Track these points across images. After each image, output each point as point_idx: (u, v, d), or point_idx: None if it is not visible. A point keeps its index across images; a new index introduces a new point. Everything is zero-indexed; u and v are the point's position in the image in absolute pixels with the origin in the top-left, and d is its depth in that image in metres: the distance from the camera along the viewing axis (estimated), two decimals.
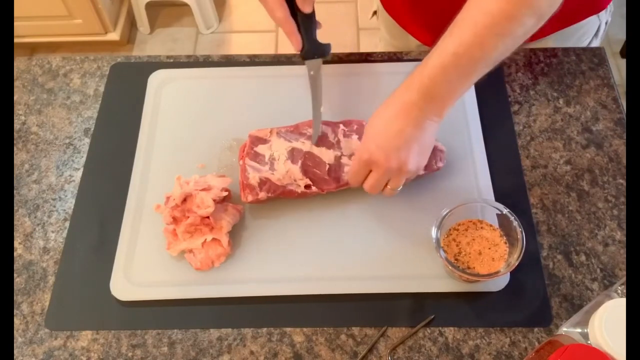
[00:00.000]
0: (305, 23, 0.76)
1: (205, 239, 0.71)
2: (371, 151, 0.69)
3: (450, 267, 0.66)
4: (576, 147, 0.82)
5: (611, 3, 0.94)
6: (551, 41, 0.94)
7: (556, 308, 0.70)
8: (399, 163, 0.68)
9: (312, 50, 0.77)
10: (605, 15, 0.96)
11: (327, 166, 0.75)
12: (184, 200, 0.73)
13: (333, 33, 2.21)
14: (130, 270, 0.73)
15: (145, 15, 2.21)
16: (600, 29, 0.97)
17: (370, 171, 0.71)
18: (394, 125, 0.68)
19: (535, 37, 0.74)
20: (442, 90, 0.66)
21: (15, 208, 0.80)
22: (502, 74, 0.88)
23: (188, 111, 0.86)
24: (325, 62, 0.90)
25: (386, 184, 0.72)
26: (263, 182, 0.74)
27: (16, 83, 0.92)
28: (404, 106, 0.68)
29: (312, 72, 0.78)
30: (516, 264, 0.65)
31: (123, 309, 0.71)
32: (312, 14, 0.76)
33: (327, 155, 0.75)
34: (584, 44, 0.96)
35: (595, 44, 0.98)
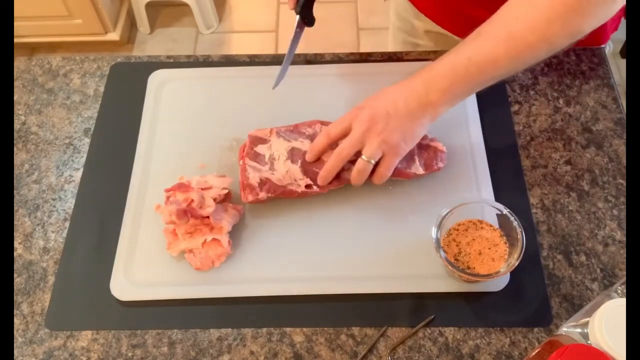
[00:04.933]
0: None
1: (205, 239, 0.71)
2: (362, 106, 0.72)
3: (450, 267, 0.66)
4: (576, 147, 0.82)
5: (609, 41, 0.94)
6: None
7: (556, 308, 0.70)
8: (380, 127, 0.70)
9: (304, 13, 0.83)
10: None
11: None
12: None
13: (333, 33, 2.22)
14: (130, 270, 0.73)
15: (145, 15, 2.21)
16: None
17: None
18: (391, 95, 0.72)
19: None
20: (442, 86, 0.69)
21: (15, 208, 0.80)
22: None
23: (188, 111, 0.86)
24: (325, 62, 0.90)
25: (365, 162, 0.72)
26: (263, 182, 0.74)
27: (16, 83, 0.92)
28: (406, 88, 0.72)
29: (298, 30, 0.84)
30: (516, 264, 0.65)
31: (123, 309, 0.71)
32: None
33: (327, 154, 0.75)
34: None
35: None
